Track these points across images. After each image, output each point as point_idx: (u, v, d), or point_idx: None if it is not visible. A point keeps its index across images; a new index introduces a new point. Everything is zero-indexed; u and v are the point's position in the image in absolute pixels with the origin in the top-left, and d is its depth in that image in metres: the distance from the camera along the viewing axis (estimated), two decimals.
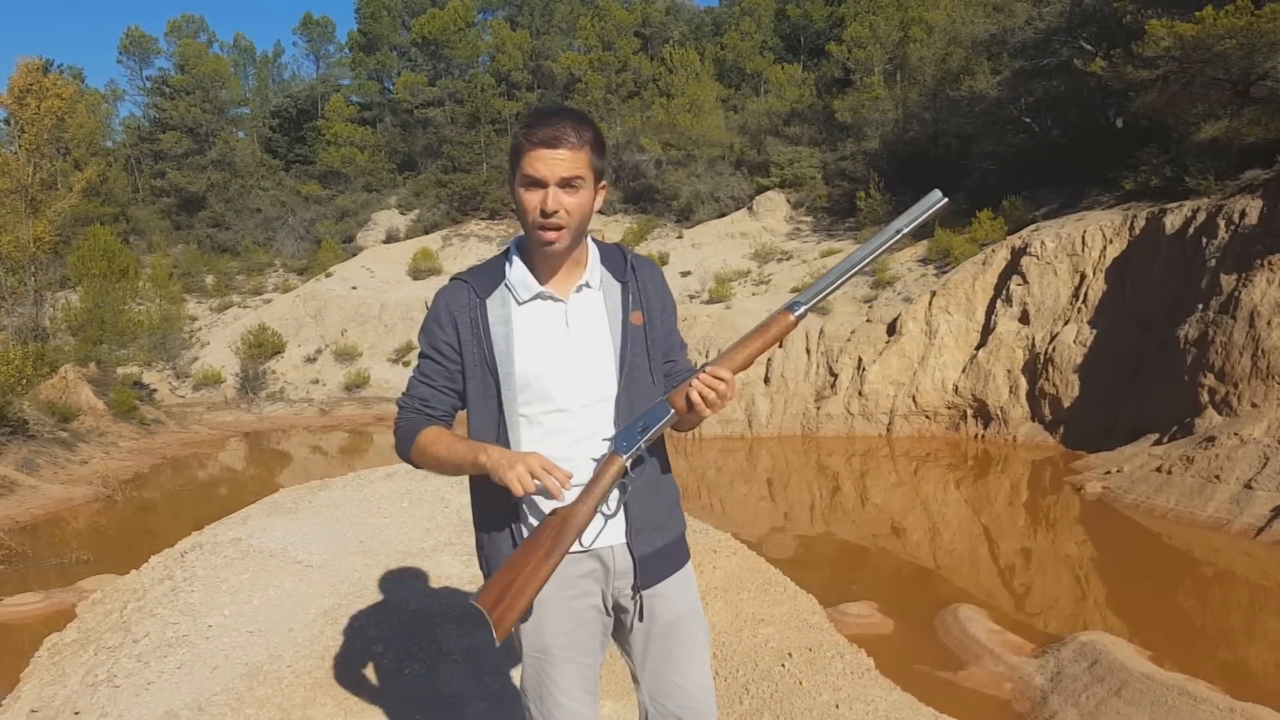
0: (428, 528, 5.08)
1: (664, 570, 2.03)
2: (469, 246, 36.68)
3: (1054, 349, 16.60)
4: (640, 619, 2.02)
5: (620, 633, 2.08)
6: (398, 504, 5.51)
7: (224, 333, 32.46)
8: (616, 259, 2.06)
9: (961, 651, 7.59)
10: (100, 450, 19.46)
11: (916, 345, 18.53)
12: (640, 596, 1.99)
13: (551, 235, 1.86)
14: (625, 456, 1.87)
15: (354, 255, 37.71)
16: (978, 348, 18.05)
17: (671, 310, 2.13)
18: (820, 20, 40.85)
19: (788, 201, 33.36)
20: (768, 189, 33.55)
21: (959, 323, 18.49)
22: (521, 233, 1.99)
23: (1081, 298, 16.81)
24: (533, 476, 1.76)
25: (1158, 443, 13.26)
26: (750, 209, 33.14)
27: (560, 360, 1.94)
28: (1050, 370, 16.51)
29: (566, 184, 1.84)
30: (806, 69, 39.17)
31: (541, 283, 1.96)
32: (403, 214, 41.51)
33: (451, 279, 2.06)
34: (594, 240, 2.05)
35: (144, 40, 49.30)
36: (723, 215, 33.62)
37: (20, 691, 4.28)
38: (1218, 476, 11.25)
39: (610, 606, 2.03)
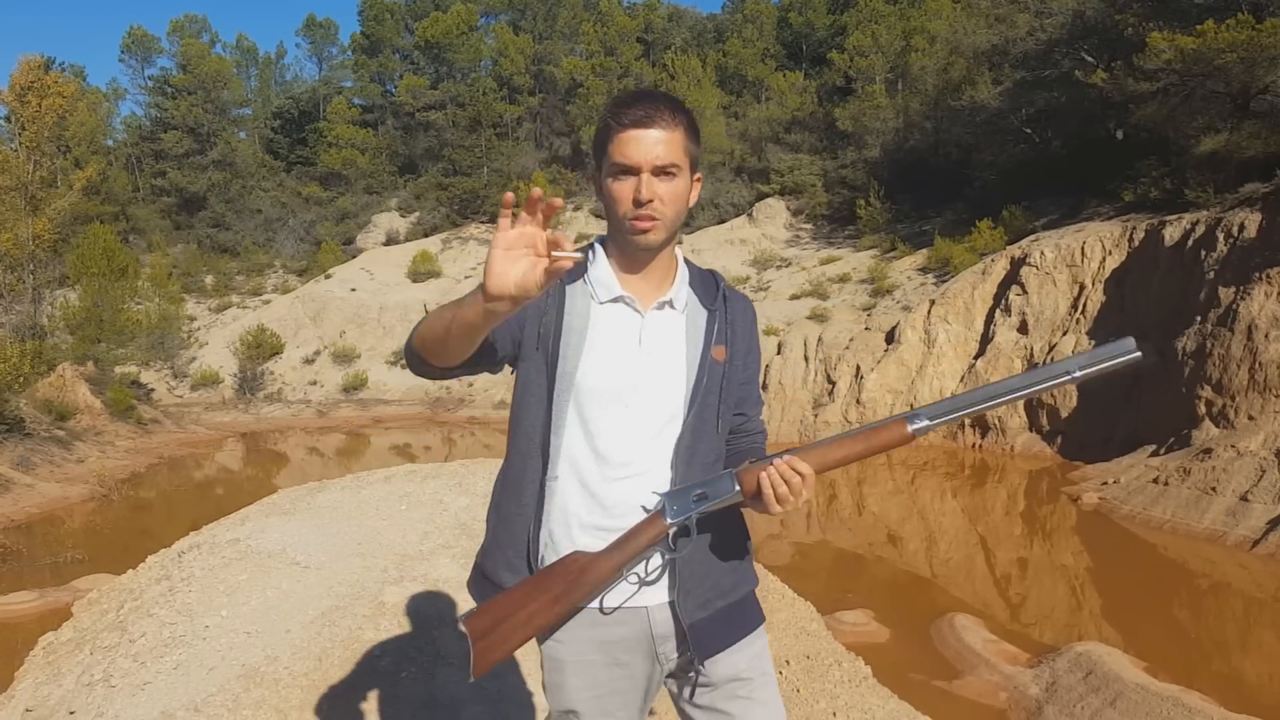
0: (426, 530, 5.08)
1: (726, 637, 1.76)
2: (469, 250, 36.72)
3: (1052, 359, 16.59)
4: (696, 689, 1.77)
5: (678, 701, 1.83)
6: (395, 506, 5.50)
7: (222, 333, 32.46)
8: (708, 284, 1.83)
9: (957, 661, 7.59)
10: (97, 449, 19.44)
11: (915, 354, 18.55)
12: (699, 666, 1.74)
13: (645, 224, 1.65)
14: (670, 522, 1.64)
15: (354, 257, 37.75)
16: (976, 357, 18.07)
17: (756, 356, 1.89)
18: (822, 28, 40.98)
19: (788, 209, 33.43)
20: (768, 196, 33.63)
21: (958, 332, 18.52)
22: (604, 233, 1.80)
23: (1080, 308, 16.84)
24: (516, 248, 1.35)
25: (1155, 454, 13.27)
26: (750, 216, 33.21)
27: (626, 380, 1.71)
28: None
29: (661, 171, 1.64)
30: (808, 77, 39.27)
31: (624, 287, 1.74)
32: (403, 216, 41.55)
33: None
34: (685, 260, 1.83)
35: (146, 39, 49.41)
36: (723, 221, 33.68)
37: (15, 690, 4.27)
38: (1214, 488, 11.26)
39: (659, 673, 1.78)
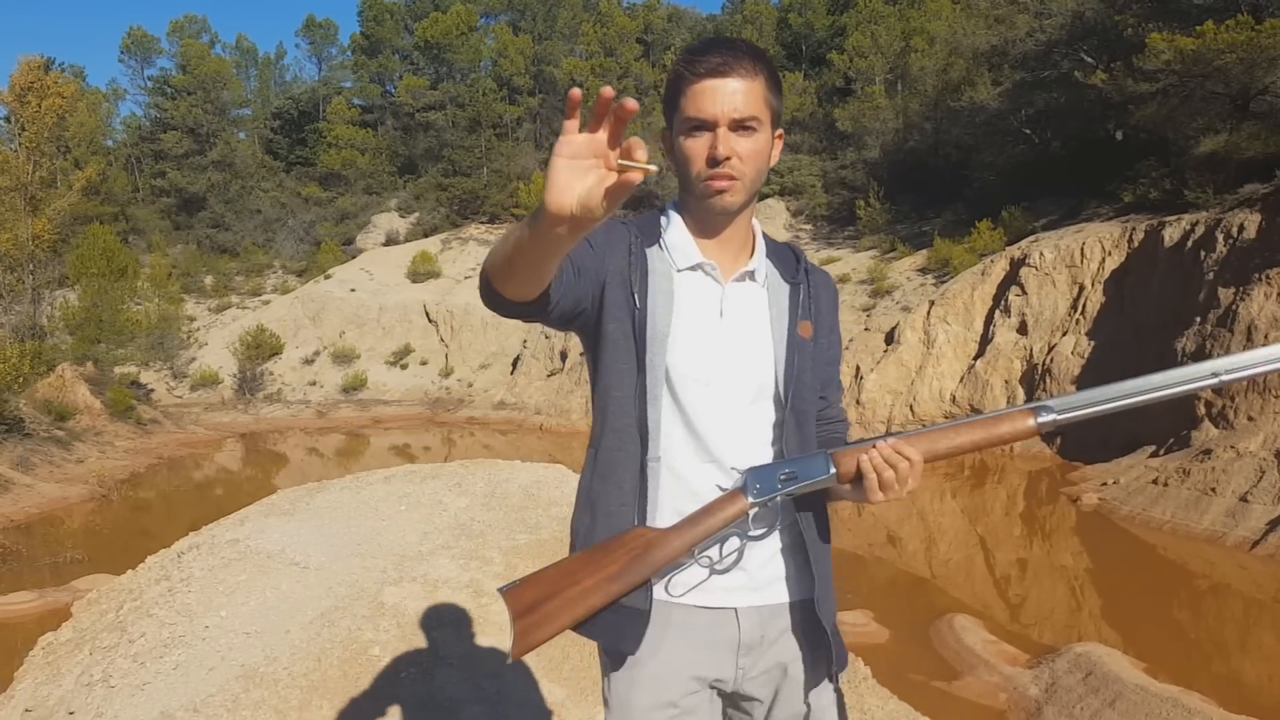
0: (425, 531, 5.08)
1: (842, 655, 1.59)
2: (469, 250, 36.72)
3: (1052, 360, 16.63)
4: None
5: None
6: (395, 507, 5.50)
7: (222, 333, 32.48)
8: (787, 257, 1.67)
9: (957, 661, 7.59)
10: (96, 449, 19.44)
11: (915, 354, 18.55)
12: (837, 684, 1.58)
13: (722, 184, 1.48)
14: (752, 500, 1.47)
15: (353, 258, 37.78)
16: (976, 358, 18.08)
17: (838, 336, 1.73)
18: (822, 29, 40.99)
19: (787, 209, 33.46)
20: (767, 197, 33.63)
21: (957, 333, 18.52)
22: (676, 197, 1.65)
23: (1080, 309, 16.85)
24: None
25: (1154, 455, 13.28)
26: None
27: (708, 355, 1.54)
28: (1048, 381, 16.53)
29: (740, 125, 1.47)
30: (808, 77, 39.28)
31: (702, 254, 1.57)
32: (402, 217, 41.57)
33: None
34: (762, 231, 1.67)
35: (146, 40, 49.45)
36: None
37: (14, 690, 4.27)
38: (1214, 489, 11.26)
39: (728, 693, 1.58)
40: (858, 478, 1.47)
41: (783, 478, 1.47)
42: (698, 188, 1.50)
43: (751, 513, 1.47)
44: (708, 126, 1.47)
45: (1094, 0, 21.46)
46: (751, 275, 1.59)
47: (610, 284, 1.51)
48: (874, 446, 1.46)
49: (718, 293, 1.57)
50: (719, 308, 1.56)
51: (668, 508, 1.51)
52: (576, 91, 1.02)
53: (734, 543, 1.49)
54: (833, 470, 1.47)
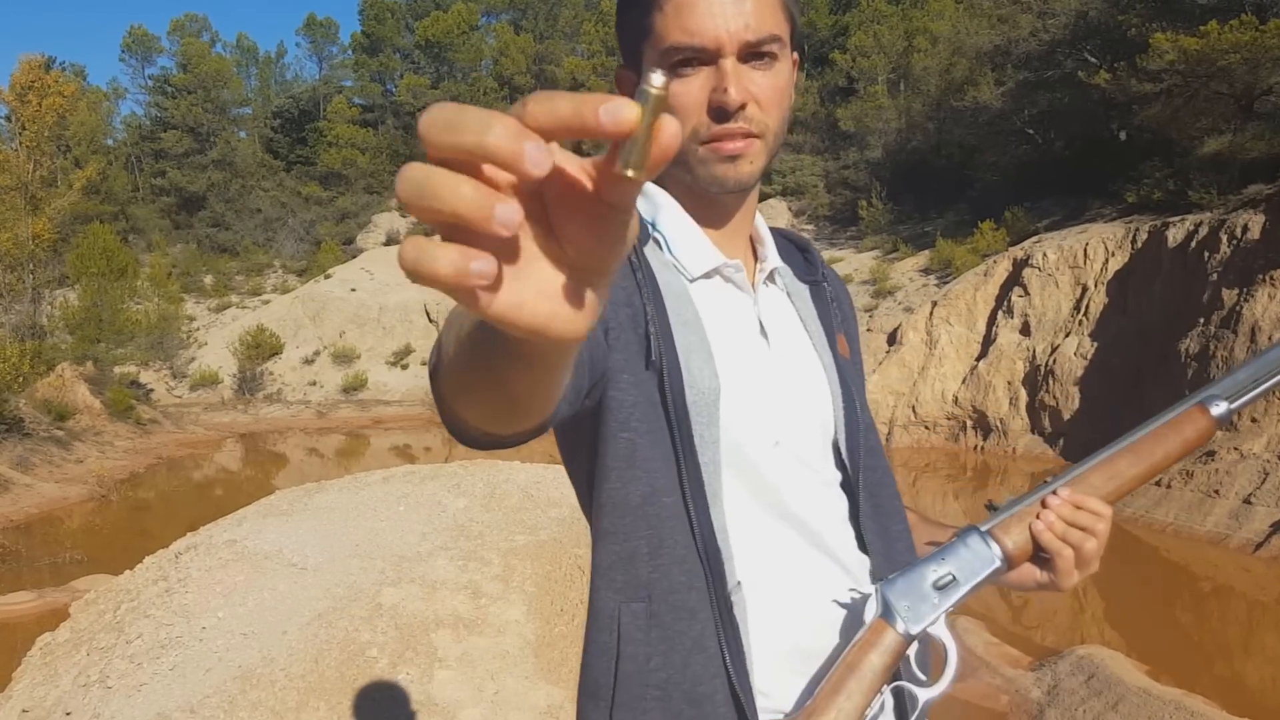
0: (424, 531, 5.05)
1: None
2: None
3: (1055, 361, 16.59)
4: None
5: None
6: (394, 507, 5.47)
7: (222, 333, 32.47)
8: (790, 249, 1.19)
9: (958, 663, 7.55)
10: (96, 449, 19.42)
11: (917, 355, 18.52)
12: None
13: (737, 145, 0.97)
14: (910, 632, 0.96)
15: (354, 257, 37.77)
16: (978, 359, 18.04)
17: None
18: (824, 28, 40.99)
19: (789, 210, 33.45)
20: (769, 197, 33.63)
21: (960, 333, 18.49)
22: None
23: (1083, 310, 16.81)
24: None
25: None
26: None
27: (773, 401, 1.03)
28: (1051, 382, 16.50)
29: (755, 52, 0.97)
30: (810, 77, 39.26)
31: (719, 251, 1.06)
32: (403, 216, 41.60)
33: None
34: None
35: (146, 39, 49.51)
36: None
37: (12, 691, 4.25)
38: (1217, 491, 11.22)
39: None
40: (1046, 556, 1.03)
41: (937, 584, 0.98)
42: (698, 153, 0.98)
43: (912, 651, 0.96)
44: (705, 58, 0.95)
45: (1097, 0, 21.44)
46: (772, 276, 1.11)
47: (616, 327, 0.95)
48: (1045, 507, 1.03)
49: (749, 306, 1.05)
50: (758, 327, 1.05)
51: (775, 664, 0.97)
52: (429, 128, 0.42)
53: (887, 701, 0.98)
54: (1000, 559, 1.01)
